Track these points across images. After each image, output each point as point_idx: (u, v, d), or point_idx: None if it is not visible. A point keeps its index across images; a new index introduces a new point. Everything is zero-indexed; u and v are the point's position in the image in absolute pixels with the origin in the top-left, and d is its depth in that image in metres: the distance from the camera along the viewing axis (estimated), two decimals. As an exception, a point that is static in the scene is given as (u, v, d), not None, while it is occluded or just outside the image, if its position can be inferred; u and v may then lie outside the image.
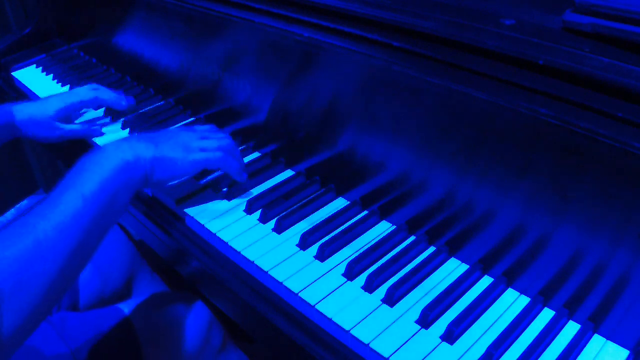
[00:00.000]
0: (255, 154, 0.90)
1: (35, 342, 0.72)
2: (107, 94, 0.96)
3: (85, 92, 0.96)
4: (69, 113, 0.95)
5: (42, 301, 0.51)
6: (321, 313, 0.61)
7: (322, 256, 0.68)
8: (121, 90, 1.01)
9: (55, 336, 0.74)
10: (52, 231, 0.53)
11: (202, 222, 0.74)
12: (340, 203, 0.78)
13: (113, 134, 0.97)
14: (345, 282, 0.65)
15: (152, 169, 0.67)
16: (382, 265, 0.66)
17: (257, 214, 0.75)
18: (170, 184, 0.75)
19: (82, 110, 1.03)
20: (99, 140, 0.96)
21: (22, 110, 0.91)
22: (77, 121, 1.00)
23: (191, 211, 0.76)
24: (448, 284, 0.64)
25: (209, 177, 0.82)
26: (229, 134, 0.94)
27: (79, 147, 0.97)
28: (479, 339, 0.59)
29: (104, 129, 0.98)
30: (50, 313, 0.53)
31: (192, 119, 1.00)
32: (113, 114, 1.01)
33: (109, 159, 0.62)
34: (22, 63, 1.28)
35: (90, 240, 0.57)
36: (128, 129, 0.97)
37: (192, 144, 0.72)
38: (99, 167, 0.60)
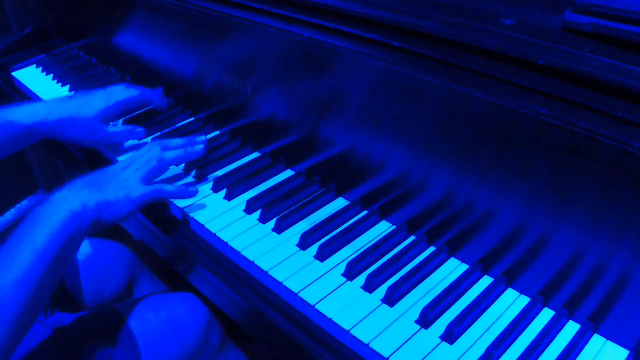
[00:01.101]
0: (255, 154, 0.90)
1: (30, 344, 0.72)
2: (149, 93, 0.92)
3: (126, 90, 0.90)
4: (111, 114, 0.88)
5: (2, 348, 0.54)
6: (321, 313, 0.61)
7: (322, 256, 0.68)
8: (160, 88, 0.96)
9: (50, 337, 0.74)
10: (9, 286, 0.55)
11: (202, 222, 0.74)
12: (340, 203, 0.78)
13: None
14: (345, 282, 0.65)
15: (98, 214, 0.68)
16: (382, 265, 0.66)
17: (257, 214, 0.75)
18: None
19: None
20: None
21: (55, 110, 0.84)
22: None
23: (194, 212, 0.76)
24: (448, 284, 0.64)
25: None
26: (230, 133, 0.94)
27: (89, 151, 0.96)
28: (478, 338, 0.59)
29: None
30: (10, 355, 0.57)
31: (192, 118, 1.00)
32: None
33: (57, 211, 0.63)
34: (22, 63, 1.28)
35: (44, 289, 0.59)
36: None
37: (131, 181, 0.73)
38: (49, 220, 0.62)
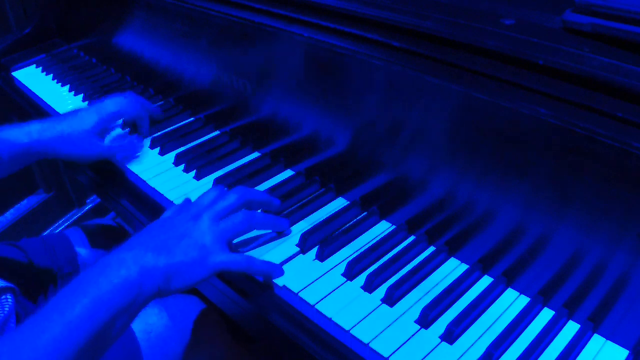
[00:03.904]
0: (255, 154, 0.90)
1: None
2: (141, 106, 0.91)
3: (119, 101, 0.89)
4: (107, 125, 0.87)
5: None
6: (321, 313, 0.61)
7: (321, 256, 0.68)
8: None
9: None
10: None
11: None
12: (340, 203, 0.78)
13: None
14: (345, 282, 0.65)
15: (166, 281, 0.57)
16: (382, 265, 0.66)
17: (257, 213, 0.75)
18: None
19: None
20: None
21: (49, 128, 0.82)
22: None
23: None
24: (448, 284, 0.64)
25: None
26: (230, 132, 0.94)
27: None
28: (478, 338, 0.59)
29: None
30: None
31: (192, 118, 1.00)
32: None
33: (107, 277, 0.54)
34: (22, 63, 1.28)
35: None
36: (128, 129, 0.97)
37: (207, 239, 0.62)
38: (93, 288, 0.53)
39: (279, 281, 0.65)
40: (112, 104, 0.89)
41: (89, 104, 1.06)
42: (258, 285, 0.66)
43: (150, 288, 0.56)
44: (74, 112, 0.88)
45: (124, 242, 0.60)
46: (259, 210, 0.71)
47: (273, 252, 0.69)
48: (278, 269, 0.65)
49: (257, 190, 0.73)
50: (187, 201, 0.70)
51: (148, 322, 0.79)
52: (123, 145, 0.90)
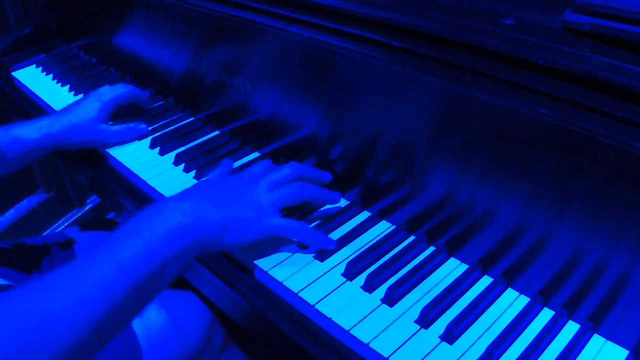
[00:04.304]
0: (255, 154, 0.90)
1: None
2: (135, 89, 0.96)
3: (114, 88, 0.94)
4: (108, 112, 0.92)
5: None
6: (321, 313, 0.61)
7: (321, 256, 0.68)
8: (141, 87, 1.01)
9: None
10: (73, 299, 0.46)
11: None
12: (340, 203, 0.78)
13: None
14: (345, 282, 0.65)
15: (221, 233, 0.58)
16: (382, 265, 0.66)
17: (257, 213, 0.75)
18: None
19: None
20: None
21: (57, 121, 0.88)
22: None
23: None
24: (448, 284, 0.64)
25: None
26: (230, 133, 0.94)
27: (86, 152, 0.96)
28: (478, 338, 0.59)
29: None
30: None
31: (192, 118, 1.00)
32: None
33: (161, 220, 0.53)
34: (22, 63, 1.28)
35: (121, 314, 0.49)
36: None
37: (264, 201, 0.63)
38: (147, 230, 0.52)
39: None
40: (110, 89, 0.94)
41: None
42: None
43: (204, 238, 0.56)
44: (77, 103, 0.92)
45: (178, 193, 0.59)
46: None
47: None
48: (330, 242, 0.67)
49: (308, 166, 0.74)
50: (229, 163, 0.73)
51: (148, 319, 0.79)
52: (127, 128, 0.93)
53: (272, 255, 0.68)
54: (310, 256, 0.68)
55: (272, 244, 0.67)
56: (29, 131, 0.86)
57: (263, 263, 0.67)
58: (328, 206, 0.77)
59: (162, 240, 0.52)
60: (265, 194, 0.64)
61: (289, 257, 0.68)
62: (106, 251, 0.49)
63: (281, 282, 0.65)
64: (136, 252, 0.50)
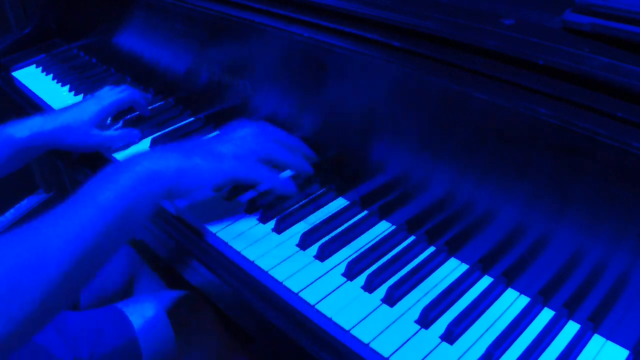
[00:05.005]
0: (255, 154, 0.90)
1: (35, 339, 0.72)
2: (137, 93, 0.94)
3: (115, 92, 0.92)
4: (105, 117, 0.90)
5: (37, 310, 0.48)
6: (321, 313, 0.61)
7: (322, 256, 0.68)
8: (141, 87, 0.99)
9: (55, 334, 0.74)
10: (58, 238, 0.51)
11: (201, 222, 0.74)
12: (340, 203, 0.78)
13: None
14: (345, 282, 0.65)
15: (177, 179, 0.63)
16: (382, 265, 0.66)
17: (257, 214, 0.75)
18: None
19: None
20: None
21: (51, 120, 0.85)
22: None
23: (190, 211, 0.76)
24: (448, 284, 0.64)
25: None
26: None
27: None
28: (478, 338, 0.59)
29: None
30: (53, 317, 0.51)
31: (192, 118, 1.00)
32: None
33: (133, 168, 0.60)
34: (22, 63, 1.28)
35: (99, 253, 0.54)
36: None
37: (225, 151, 0.68)
38: (120, 176, 0.58)
39: (213, 229, 0.69)
40: (110, 93, 0.92)
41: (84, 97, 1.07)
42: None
43: (168, 182, 0.61)
44: (76, 104, 0.90)
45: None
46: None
47: (273, 253, 0.69)
48: (289, 185, 0.71)
49: (282, 132, 0.77)
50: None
51: (145, 317, 0.79)
52: (120, 134, 0.92)
53: (271, 254, 0.68)
54: (310, 256, 0.68)
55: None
56: (20, 129, 0.83)
57: (262, 261, 0.67)
58: (328, 206, 0.77)
59: (132, 183, 0.58)
60: (225, 145, 0.69)
61: (289, 257, 0.68)
62: (88, 195, 0.56)
63: (281, 282, 0.65)
64: (111, 194, 0.56)
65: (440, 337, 0.59)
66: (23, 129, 0.84)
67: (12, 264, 0.48)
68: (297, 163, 0.75)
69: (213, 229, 0.73)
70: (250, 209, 0.76)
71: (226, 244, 0.71)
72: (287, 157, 0.73)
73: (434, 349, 0.57)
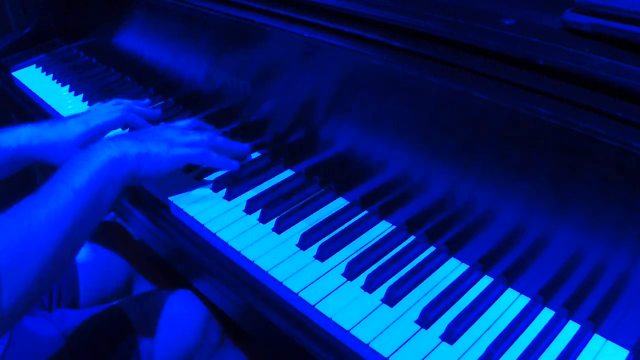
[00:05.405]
0: (255, 154, 0.90)
1: (35, 337, 0.73)
2: (131, 113, 0.89)
3: (106, 113, 0.87)
4: (91, 138, 0.84)
5: (36, 281, 0.55)
6: (321, 313, 0.61)
7: (322, 256, 0.68)
8: (148, 100, 1.00)
9: (55, 331, 0.75)
10: (45, 218, 0.57)
11: (202, 221, 0.74)
12: (340, 203, 0.78)
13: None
14: (345, 282, 0.65)
15: (138, 164, 0.70)
16: (382, 265, 0.66)
17: (257, 214, 0.75)
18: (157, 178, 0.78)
19: None
20: None
21: (38, 135, 0.82)
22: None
23: (191, 210, 0.76)
24: (448, 284, 0.64)
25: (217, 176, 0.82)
26: (230, 133, 0.94)
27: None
28: (478, 338, 0.59)
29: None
30: (47, 290, 0.60)
31: (192, 119, 1.00)
32: None
33: (97, 155, 0.66)
34: (22, 63, 1.28)
35: (80, 229, 0.61)
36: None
37: (176, 139, 0.76)
38: (88, 163, 0.65)
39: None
40: (102, 114, 0.87)
41: (89, 105, 1.06)
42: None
43: (127, 170, 0.69)
44: (65, 120, 0.86)
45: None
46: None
47: (273, 252, 0.69)
48: (234, 164, 0.81)
49: (218, 136, 0.84)
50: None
51: (146, 318, 0.79)
52: None
53: (271, 254, 0.68)
54: (310, 256, 0.68)
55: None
56: (8, 138, 0.81)
57: (262, 261, 0.67)
58: (328, 206, 0.77)
59: (99, 169, 0.65)
60: (178, 136, 0.77)
61: (289, 257, 0.68)
62: (59, 182, 0.62)
63: (281, 282, 0.65)
64: (83, 179, 0.63)
65: (440, 337, 0.59)
66: (11, 138, 0.81)
67: (10, 242, 0.55)
68: (235, 149, 0.84)
69: (212, 228, 0.73)
70: (250, 209, 0.76)
71: (226, 243, 0.71)
72: (229, 147, 0.83)
73: (434, 349, 0.57)
